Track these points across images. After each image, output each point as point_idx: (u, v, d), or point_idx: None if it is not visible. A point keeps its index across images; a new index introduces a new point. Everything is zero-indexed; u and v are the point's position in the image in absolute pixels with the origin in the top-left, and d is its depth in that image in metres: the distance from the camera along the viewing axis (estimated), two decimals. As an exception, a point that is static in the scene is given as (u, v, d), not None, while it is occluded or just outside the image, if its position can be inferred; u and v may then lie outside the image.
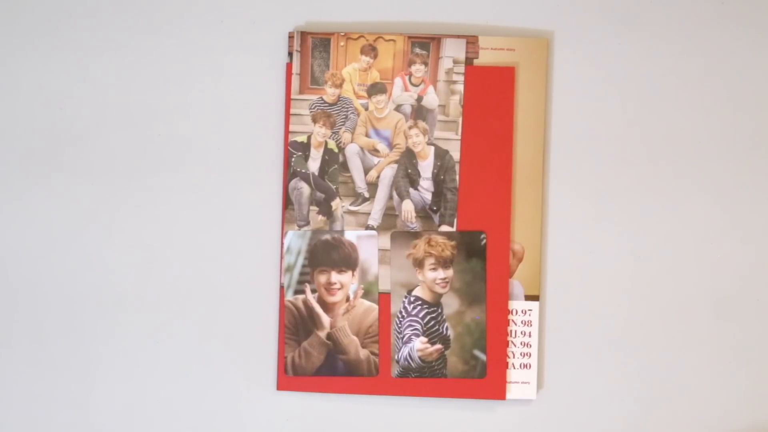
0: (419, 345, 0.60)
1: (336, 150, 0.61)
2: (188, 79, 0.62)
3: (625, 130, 0.61)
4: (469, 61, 0.61)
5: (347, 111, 0.61)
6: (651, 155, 0.61)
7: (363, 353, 0.60)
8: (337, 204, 0.60)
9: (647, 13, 0.62)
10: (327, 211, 0.60)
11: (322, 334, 0.60)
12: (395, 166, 0.61)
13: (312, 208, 0.60)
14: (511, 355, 0.60)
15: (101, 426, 0.60)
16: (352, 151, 0.61)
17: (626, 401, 0.60)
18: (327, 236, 0.60)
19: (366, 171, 0.61)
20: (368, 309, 0.60)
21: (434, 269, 0.60)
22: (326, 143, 0.61)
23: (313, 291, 0.60)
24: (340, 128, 0.61)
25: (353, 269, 0.60)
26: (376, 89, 0.61)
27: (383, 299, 0.60)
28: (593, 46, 0.62)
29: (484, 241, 0.60)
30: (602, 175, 0.61)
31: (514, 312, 0.60)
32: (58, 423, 0.60)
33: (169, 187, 0.61)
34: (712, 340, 0.60)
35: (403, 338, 0.60)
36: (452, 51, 0.61)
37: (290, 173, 0.60)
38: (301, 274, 0.60)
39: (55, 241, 0.61)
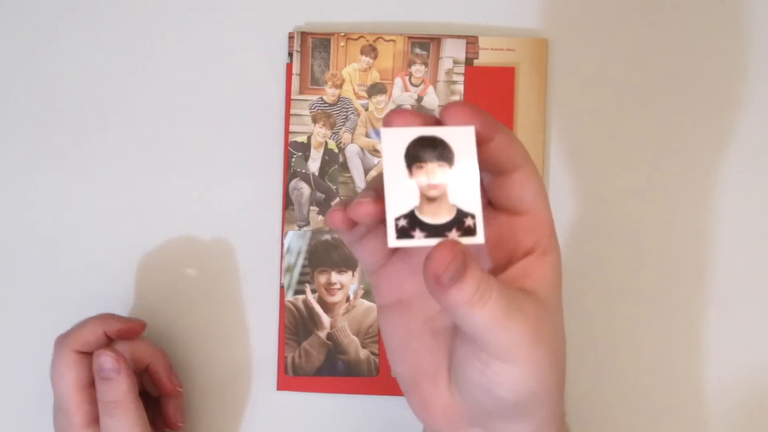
0: (419, 345, 0.60)
1: (336, 150, 0.61)
2: (188, 79, 0.62)
3: (625, 131, 0.61)
4: (469, 62, 0.61)
5: (347, 111, 0.61)
6: (651, 155, 0.61)
7: (363, 353, 0.60)
8: (337, 204, 0.60)
9: (647, 13, 0.62)
10: (327, 211, 0.60)
11: (322, 334, 0.60)
12: (395, 166, 0.61)
13: (312, 208, 0.60)
14: (511, 355, 0.60)
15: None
16: (352, 152, 0.61)
17: (626, 401, 0.60)
18: (327, 236, 0.60)
19: (366, 171, 0.61)
20: (368, 309, 0.60)
21: (434, 269, 0.60)
22: (326, 143, 0.61)
23: (313, 291, 0.60)
24: (340, 128, 0.61)
25: (353, 269, 0.60)
26: (376, 89, 0.61)
27: (383, 299, 0.60)
28: (593, 47, 0.62)
29: (484, 241, 0.60)
30: (602, 175, 0.61)
31: (514, 312, 0.60)
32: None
33: (169, 187, 0.61)
34: (712, 339, 0.60)
35: (403, 338, 0.60)
36: (452, 51, 0.61)
37: (290, 173, 0.61)
38: (301, 274, 0.60)
39: (53, 241, 0.61)
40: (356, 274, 0.60)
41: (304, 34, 0.61)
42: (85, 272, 0.61)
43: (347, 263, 0.60)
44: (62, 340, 0.53)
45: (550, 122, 0.61)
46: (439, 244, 0.35)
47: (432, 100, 0.61)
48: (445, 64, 0.61)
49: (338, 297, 0.60)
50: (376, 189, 0.37)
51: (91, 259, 0.61)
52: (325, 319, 0.60)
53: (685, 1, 0.62)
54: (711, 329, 0.60)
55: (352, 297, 0.60)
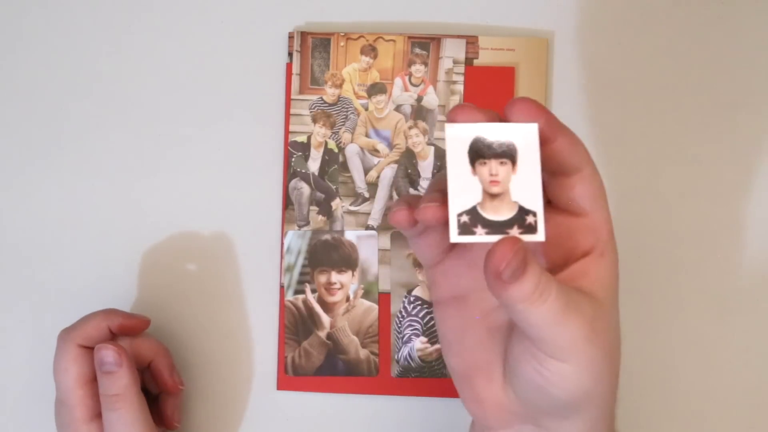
0: (419, 345, 0.60)
1: (336, 150, 0.61)
2: (188, 79, 0.62)
3: (625, 131, 0.61)
4: (469, 62, 0.61)
5: (347, 111, 0.61)
6: (651, 155, 0.61)
7: (363, 353, 0.60)
8: (337, 204, 0.60)
9: (647, 13, 0.62)
10: (327, 211, 0.60)
11: (322, 334, 0.60)
12: (395, 166, 0.61)
13: (312, 208, 0.60)
14: (510, 355, 0.60)
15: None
16: (352, 151, 0.61)
17: (626, 401, 0.60)
18: (327, 236, 0.60)
19: (366, 171, 0.61)
20: (368, 309, 0.60)
21: (434, 269, 0.60)
22: (326, 143, 0.61)
23: (313, 291, 0.60)
24: (340, 128, 0.61)
25: (353, 269, 0.60)
26: (376, 89, 0.61)
27: (383, 299, 0.60)
28: (593, 46, 0.62)
29: (484, 241, 0.60)
30: (602, 175, 0.61)
31: (514, 312, 0.60)
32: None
33: (169, 187, 0.61)
34: (712, 339, 0.60)
35: (403, 338, 0.60)
36: (452, 51, 0.61)
37: (290, 173, 0.61)
38: (301, 274, 0.60)
39: (55, 239, 0.61)
40: (356, 273, 0.60)
41: (304, 34, 0.61)
42: (85, 273, 0.61)
43: (347, 263, 0.60)
44: (66, 335, 0.53)
45: (550, 122, 0.61)
46: (500, 241, 0.35)
47: (432, 100, 0.61)
48: (445, 63, 0.61)
49: (338, 297, 0.60)
50: (441, 190, 0.37)
51: (91, 261, 0.61)
52: (325, 318, 0.60)
53: (685, 0, 0.62)
54: (711, 329, 0.60)
55: (352, 297, 0.60)
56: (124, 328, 0.55)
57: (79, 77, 0.62)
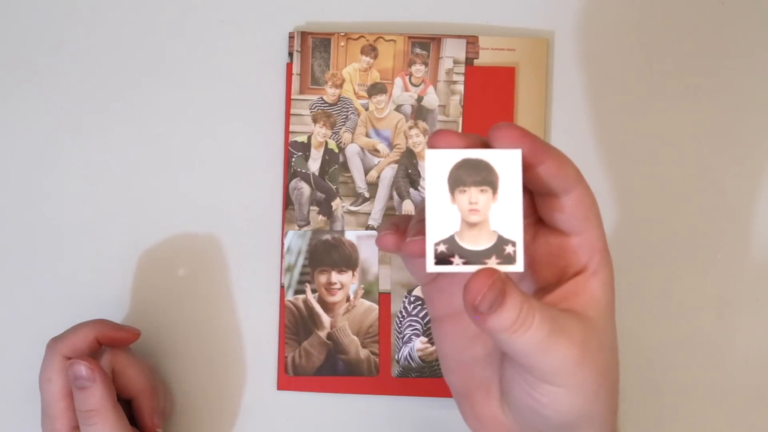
0: (419, 345, 0.60)
1: (336, 150, 0.61)
2: (188, 78, 0.62)
3: (625, 131, 0.61)
4: (469, 62, 0.61)
5: (347, 111, 0.61)
6: (651, 155, 0.61)
7: (363, 353, 0.60)
8: (337, 204, 0.60)
9: (647, 13, 0.62)
10: (327, 211, 0.60)
11: (323, 333, 0.60)
12: (395, 166, 0.61)
13: (312, 208, 0.60)
14: (511, 355, 0.60)
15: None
16: (352, 151, 0.61)
17: (625, 401, 0.60)
18: (327, 236, 0.60)
19: (366, 171, 0.61)
20: (368, 309, 0.60)
21: (434, 269, 0.60)
22: (326, 143, 0.61)
23: (314, 291, 0.60)
24: (340, 128, 0.61)
25: (353, 269, 0.60)
26: (376, 89, 0.61)
27: (383, 299, 0.60)
28: (593, 47, 0.62)
29: (485, 241, 0.60)
30: (602, 176, 0.61)
31: (514, 312, 0.60)
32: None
33: (169, 186, 0.61)
34: (712, 340, 0.60)
35: (403, 338, 0.60)
36: (452, 51, 0.61)
37: (290, 173, 0.61)
38: (302, 274, 0.60)
39: (56, 240, 0.61)
40: (356, 273, 0.60)
41: (304, 34, 0.61)
42: (85, 271, 0.61)
43: (347, 263, 0.60)
44: (53, 345, 0.53)
45: (550, 122, 0.61)
46: (475, 273, 0.35)
47: (432, 100, 0.61)
48: (446, 63, 0.61)
49: (338, 297, 0.60)
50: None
51: (91, 259, 0.61)
52: (325, 318, 0.60)
53: (685, 1, 0.62)
54: (711, 329, 0.60)
55: (352, 297, 0.60)
56: (113, 340, 0.54)
57: (79, 77, 0.62)
